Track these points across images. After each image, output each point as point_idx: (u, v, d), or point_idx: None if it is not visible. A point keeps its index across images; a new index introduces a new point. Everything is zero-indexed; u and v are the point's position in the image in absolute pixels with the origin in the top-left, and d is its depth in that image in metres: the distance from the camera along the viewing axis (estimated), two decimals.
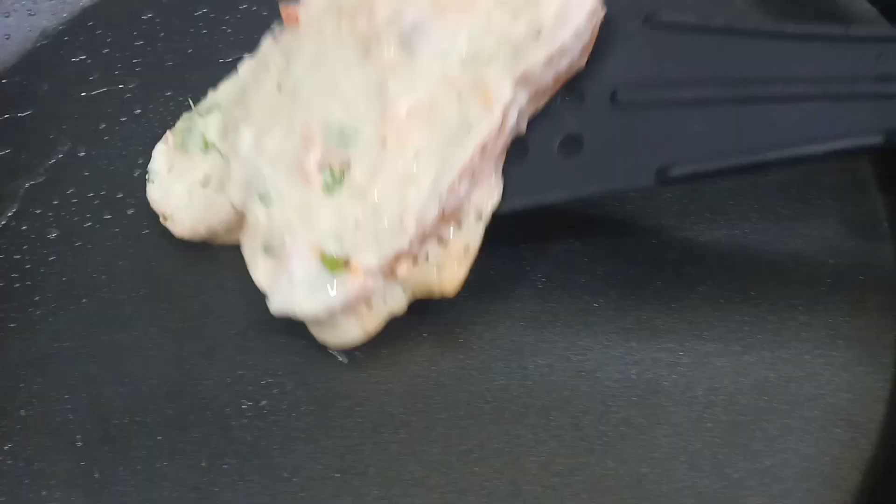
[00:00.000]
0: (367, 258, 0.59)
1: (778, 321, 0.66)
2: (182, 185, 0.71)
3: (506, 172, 0.63)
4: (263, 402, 0.65)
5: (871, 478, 0.59)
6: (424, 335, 0.67)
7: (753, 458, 0.60)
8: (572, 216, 0.72)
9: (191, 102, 0.76)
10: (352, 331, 0.63)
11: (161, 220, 0.71)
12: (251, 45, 0.87)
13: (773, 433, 0.61)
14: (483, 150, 0.60)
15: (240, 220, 0.66)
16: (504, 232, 0.64)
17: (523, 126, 0.64)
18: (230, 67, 0.86)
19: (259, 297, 0.63)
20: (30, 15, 0.94)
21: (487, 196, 0.62)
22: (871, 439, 0.60)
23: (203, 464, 0.62)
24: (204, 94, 0.79)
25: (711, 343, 0.65)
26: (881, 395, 0.62)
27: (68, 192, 0.79)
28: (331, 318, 0.62)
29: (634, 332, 0.65)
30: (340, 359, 0.66)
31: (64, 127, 0.84)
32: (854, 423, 0.61)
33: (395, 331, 0.65)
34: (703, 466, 0.59)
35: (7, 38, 0.92)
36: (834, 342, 0.65)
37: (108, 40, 0.91)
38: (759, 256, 0.69)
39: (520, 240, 0.70)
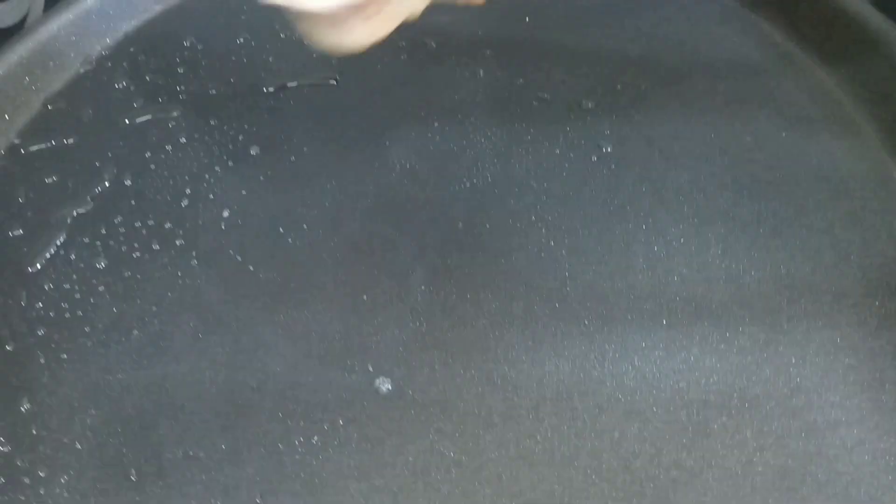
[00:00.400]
0: None
1: (824, 364, 0.67)
2: None
3: None
4: (315, 439, 0.65)
5: None
6: (472, 372, 0.67)
7: (803, 503, 0.60)
8: None
9: None
10: (357, 32, 0.54)
11: None
12: (293, 74, 0.90)
13: (821, 479, 0.61)
14: None
15: None
16: None
17: None
18: (273, 97, 0.88)
19: (308, 331, 0.64)
20: (72, 39, 0.95)
21: None
22: None
23: (257, 500, 0.63)
24: (248, 123, 0.80)
25: (759, 385, 0.66)
26: None
27: (116, 221, 0.80)
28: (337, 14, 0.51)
29: (683, 374, 0.66)
30: (383, 388, 0.66)
31: (109, 155, 0.85)
32: None
33: (442, 369, 0.66)
34: None
35: (51, 63, 0.93)
36: (882, 385, 0.65)
37: (150, 67, 0.92)
38: (805, 299, 0.70)
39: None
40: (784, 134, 0.81)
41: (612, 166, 0.78)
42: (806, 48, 0.88)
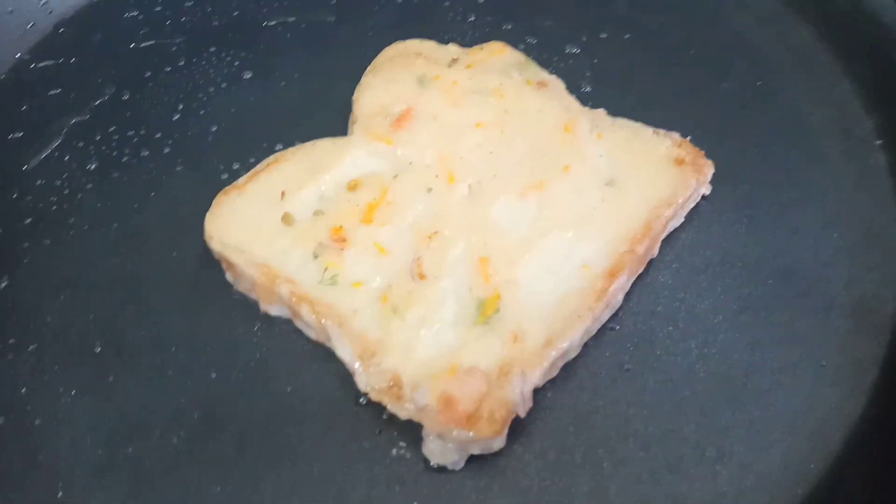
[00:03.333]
0: None
1: (775, 286, 0.67)
2: None
3: None
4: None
5: (856, 439, 0.59)
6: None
7: (741, 409, 0.61)
8: None
9: None
10: None
11: None
12: (293, 10, 0.93)
13: (763, 388, 0.62)
14: None
15: None
16: None
17: None
18: (273, 31, 0.92)
19: None
20: None
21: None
22: (860, 402, 0.61)
23: (213, 375, 0.65)
24: (245, 51, 0.85)
25: (708, 300, 0.67)
26: (874, 361, 0.63)
27: (110, 129, 0.84)
28: None
29: (636, 286, 0.67)
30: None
31: (112, 73, 0.89)
32: (845, 386, 0.62)
33: None
34: (690, 413, 0.61)
35: None
36: (830, 310, 0.66)
37: None
38: (765, 227, 0.71)
39: None
40: (759, 83, 0.82)
41: (589, 104, 0.80)
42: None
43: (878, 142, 0.76)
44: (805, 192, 0.74)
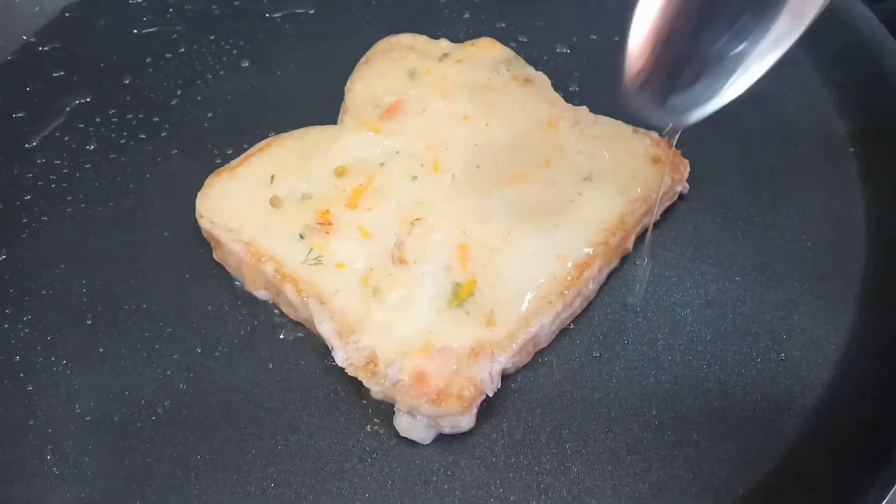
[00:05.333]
0: None
1: (743, 282, 0.70)
2: None
3: None
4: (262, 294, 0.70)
5: (811, 429, 0.62)
6: None
7: (703, 397, 0.64)
8: None
9: None
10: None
11: None
12: (293, 2, 0.96)
13: (723, 378, 0.65)
14: None
15: None
16: None
17: None
18: (273, 21, 0.95)
19: None
20: None
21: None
22: (816, 394, 0.64)
23: (198, 349, 0.68)
24: (243, 40, 0.88)
25: (678, 294, 0.69)
26: (833, 357, 0.66)
27: (110, 112, 0.86)
28: None
29: (609, 280, 0.70)
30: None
31: (114, 58, 0.92)
32: (804, 378, 0.65)
33: None
34: (653, 399, 0.63)
35: None
36: (796, 306, 0.68)
37: None
38: (739, 226, 0.74)
39: None
40: None
41: (576, 102, 0.82)
42: None
43: (852, 149, 0.79)
44: (781, 194, 0.76)
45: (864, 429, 0.60)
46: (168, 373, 0.67)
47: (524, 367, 0.65)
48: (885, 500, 0.53)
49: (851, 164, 0.78)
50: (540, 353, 0.66)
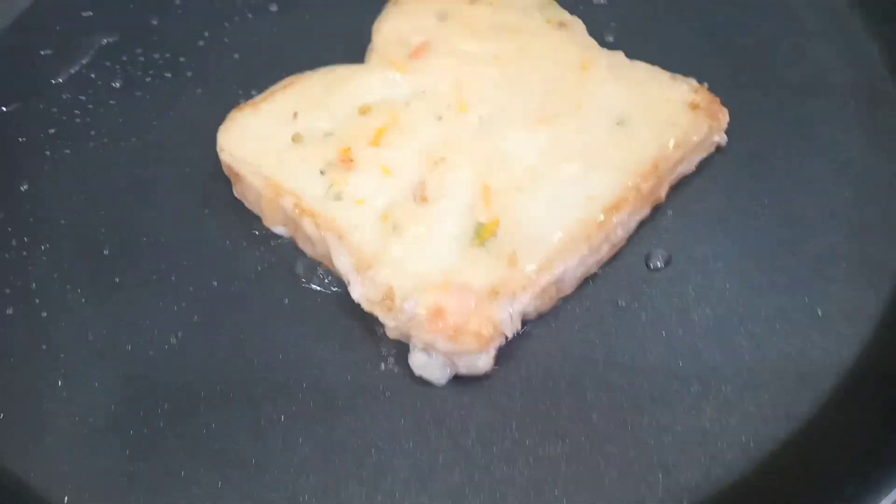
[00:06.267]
0: None
1: (778, 234, 0.67)
2: None
3: None
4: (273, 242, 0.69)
5: (845, 385, 0.59)
6: None
7: (733, 350, 0.61)
8: None
9: None
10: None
11: None
12: None
13: (756, 332, 0.62)
14: None
15: None
16: None
17: None
18: None
19: None
20: None
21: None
22: (853, 351, 0.60)
23: (214, 283, 0.67)
24: None
25: (711, 245, 0.66)
26: (874, 313, 0.62)
27: (137, 51, 0.85)
28: None
29: (639, 229, 0.67)
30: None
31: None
32: (841, 335, 0.61)
33: None
34: (680, 350, 0.61)
35: None
36: (832, 261, 0.65)
37: None
38: (775, 177, 0.71)
39: None
40: (787, 40, 0.81)
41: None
42: None
43: None
44: (820, 145, 0.73)
45: None
46: (183, 304, 0.66)
47: (546, 313, 0.63)
48: None
49: None
50: (564, 301, 0.64)
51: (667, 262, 0.66)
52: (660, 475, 0.55)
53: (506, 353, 0.61)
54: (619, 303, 0.64)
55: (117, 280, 0.67)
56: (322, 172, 0.66)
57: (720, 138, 0.71)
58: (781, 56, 0.80)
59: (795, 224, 0.68)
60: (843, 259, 0.65)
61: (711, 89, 0.72)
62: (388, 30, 0.77)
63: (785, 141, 0.73)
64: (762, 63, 0.80)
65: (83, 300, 0.67)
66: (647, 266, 0.66)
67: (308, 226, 0.64)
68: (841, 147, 0.73)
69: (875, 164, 0.71)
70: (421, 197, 0.64)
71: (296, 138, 0.69)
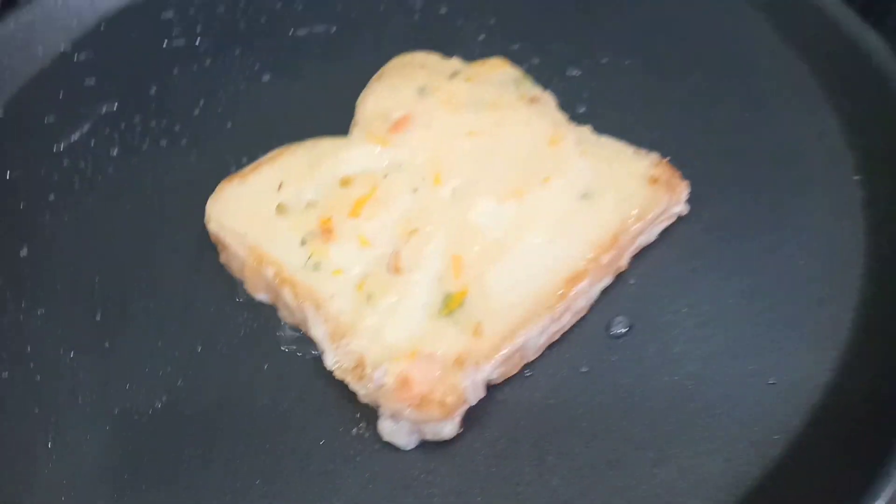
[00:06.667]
0: None
1: (738, 304, 0.70)
2: None
3: None
4: None
5: (796, 454, 0.61)
6: None
7: (687, 417, 0.64)
8: None
9: None
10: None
11: None
12: (317, 19, 0.99)
13: (711, 398, 0.64)
14: None
15: None
16: None
17: None
18: (295, 38, 0.98)
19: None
20: None
21: None
22: (804, 419, 0.63)
23: (199, 349, 0.70)
24: (267, 55, 0.92)
25: (671, 313, 0.70)
26: (823, 382, 0.65)
27: (135, 119, 0.90)
28: None
29: (602, 296, 0.71)
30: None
31: (143, 68, 0.96)
32: (792, 403, 0.64)
33: None
34: (637, 416, 0.64)
35: None
36: (790, 330, 0.68)
37: (196, 2, 1.03)
38: (738, 248, 0.74)
39: None
40: (750, 112, 0.85)
41: (583, 122, 0.83)
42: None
43: (857, 177, 0.78)
44: (782, 217, 0.76)
45: (849, 457, 0.59)
46: (168, 369, 0.69)
47: (511, 378, 0.66)
48: None
49: (856, 192, 0.77)
50: (528, 366, 0.67)
51: (628, 329, 0.69)
52: None
53: (472, 416, 0.64)
54: (581, 368, 0.67)
55: (107, 345, 0.71)
56: (303, 242, 0.70)
57: (681, 209, 0.75)
58: (748, 126, 0.84)
59: (756, 293, 0.71)
60: (798, 329, 0.68)
61: (678, 158, 0.77)
62: (371, 104, 0.82)
63: (747, 211, 0.77)
64: (729, 133, 0.84)
65: (75, 365, 0.70)
66: (609, 333, 0.69)
67: (287, 294, 0.68)
68: (803, 218, 0.76)
69: (835, 238, 0.74)
70: (395, 267, 0.68)
71: (280, 209, 0.73)
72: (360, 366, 0.63)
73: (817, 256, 0.73)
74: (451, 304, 0.65)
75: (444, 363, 0.62)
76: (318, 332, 0.66)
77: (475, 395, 0.62)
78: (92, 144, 0.88)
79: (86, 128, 0.90)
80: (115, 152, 0.87)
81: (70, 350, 0.71)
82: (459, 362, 0.62)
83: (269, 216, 0.73)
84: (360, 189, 0.74)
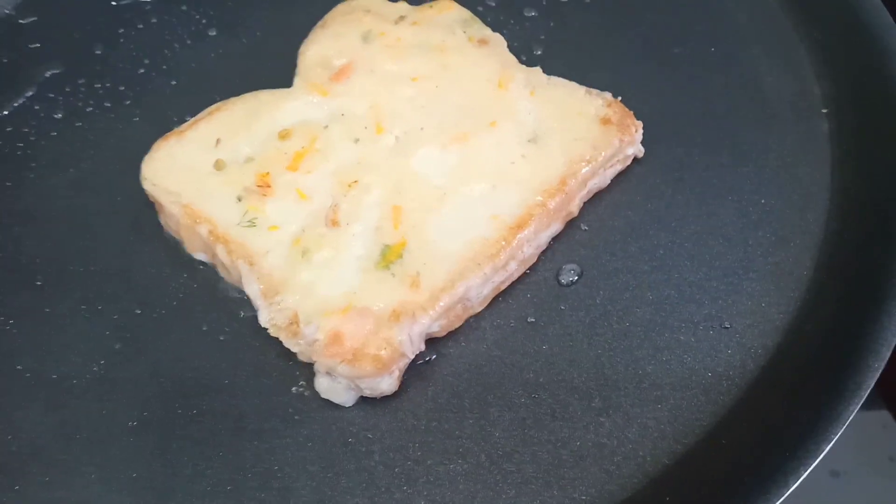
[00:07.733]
0: None
1: (692, 247, 0.67)
2: None
3: None
4: None
5: (747, 401, 0.59)
6: None
7: (634, 364, 0.61)
8: None
9: None
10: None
11: None
12: None
13: (660, 345, 0.62)
14: None
15: None
16: None
17: None
18: None
19: None
20: None
21: None
22: (758, 364, 0.61)
23: (138, 311, 0.68)
24: (213, 10, 0.88)
25: (623, 259, 0.67)
26: (780, 325, 0.62)
27: (80, 81, 0.87)
28: None
29: (552, 244, 0.68)
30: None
31: (88, 29, 0.93)
32: (746, 347, 0.62)
33: None
34: (584, 365, 0.61)
35: None
36: (746, 272, 0.65)
37: None
38: (695, 189, 0.71)
39: None
40: (714, 48, 0.81)
41: (539, 65, 0.80)
42: None
43: (825, 110, 0.75)
44: (743, 155, 0.73)
45: (800, 403, 0.56)
46: (106, 333, 0.67)
47: (456, 331, 0.64)
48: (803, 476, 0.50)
49: (822, 124, 0.74)
50: (474, 318, 0.65)
51: (578, 277, 0.66)
52: (555, 491, 0.56)
53: (415, 372, 0.62)
54: (529, 319, 0.64)
55: (48, 310, 0.69)
56: (239, 199, 0.68)
57: (636, 150, 0.71)
58: (713, 63, 0.81)
59: (713, 235, 0.68)
60: (756, 271, 0.65)
61: (635, 99, 0.73)
62: (312, 52, 0.79)
63: (707, 150, 0.73)
64: (693, 71, 0.80)
65: (15, 331, 0.69)
66: (559, 281, 0.66)
67: (221, 252, 0.66)
68: (766, 155, 0.73)
69: (799, 173, 0.71)
70: (332, 220, 0.66)
71: (218, 165, 0.71)
72: (293, 322, 0.61)
73: (779, 194, 0.70)
74: (389, 256, 0.63)
75: (379, 317, 0.59)
76: (252, 289, 0.63)
77: (413, 348, 0.60)
78: (36, 108, 0.86)
79: (30, 92, 0.87)
80: (59, 116, 0.85)
81: (11, 317, 0.69)
82: (395, 315, 0.59)
83: (206, 173, 0.71)
84: (299, 142, 0.71)
